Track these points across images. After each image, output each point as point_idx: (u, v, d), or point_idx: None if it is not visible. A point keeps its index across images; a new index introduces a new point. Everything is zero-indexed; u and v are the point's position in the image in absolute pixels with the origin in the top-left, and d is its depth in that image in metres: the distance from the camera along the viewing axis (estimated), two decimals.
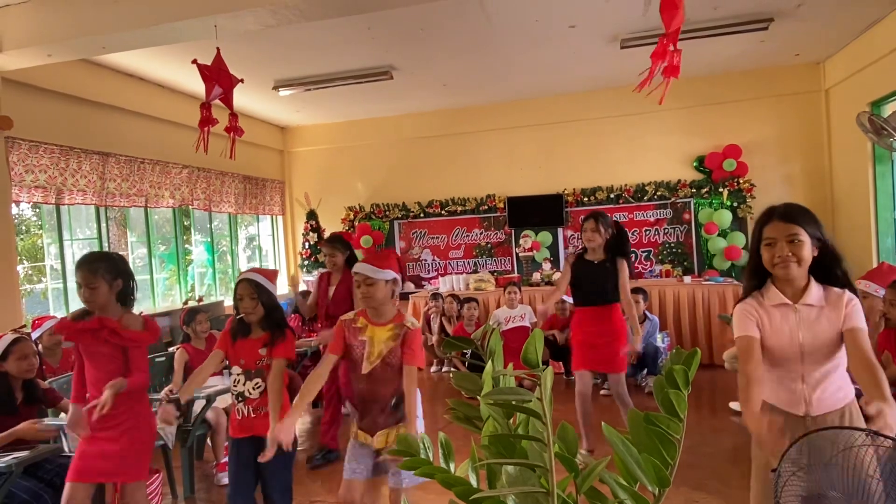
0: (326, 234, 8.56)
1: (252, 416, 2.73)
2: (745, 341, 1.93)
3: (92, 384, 2.63)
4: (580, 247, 4.18)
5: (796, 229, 1.84)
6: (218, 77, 4.19)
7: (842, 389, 1.91)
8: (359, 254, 8.53)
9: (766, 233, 1.90)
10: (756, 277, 1.98)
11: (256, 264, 9.01)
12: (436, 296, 7.10)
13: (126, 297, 2.70)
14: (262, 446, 2.55)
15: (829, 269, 1.89)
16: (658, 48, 3.37)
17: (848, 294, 1.87)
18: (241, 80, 4.41)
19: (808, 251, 1.85)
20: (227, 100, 4.33)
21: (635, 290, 6.06)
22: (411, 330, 2.54)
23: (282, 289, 8.97)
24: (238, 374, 2.77)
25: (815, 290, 1.89)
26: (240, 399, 2.76)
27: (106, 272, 2.62)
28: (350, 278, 4.29)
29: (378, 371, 2.50)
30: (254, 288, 2.76)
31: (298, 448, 4.37)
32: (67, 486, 2.63)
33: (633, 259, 7.93)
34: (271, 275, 2.92)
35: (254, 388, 2.74)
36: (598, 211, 4.07)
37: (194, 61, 4.13)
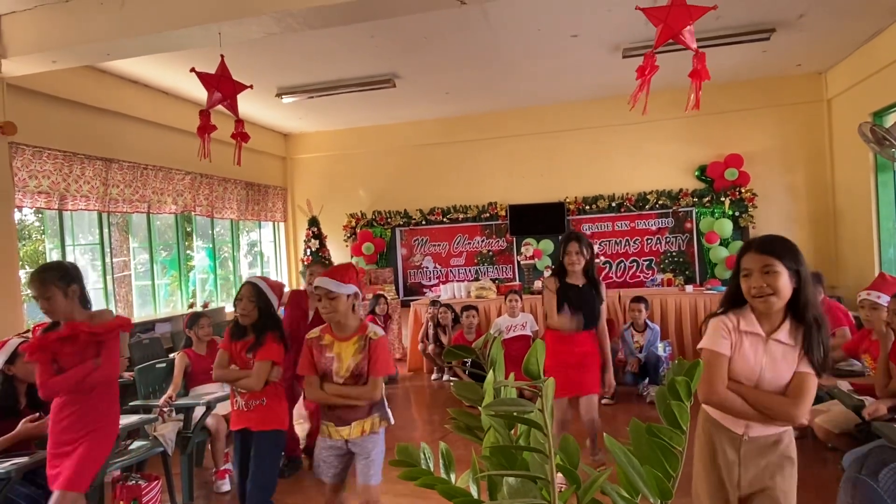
0: (327, 241, 8.57)
1: (245, 409, 2.93)
2: (714, 357, 1.96)
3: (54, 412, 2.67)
4: (551, 268, 3.93)
5: (771, 261, 1.84)
6: (219, 84, 4.20)
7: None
8: (358, 261, 8.55)
9: (744, 263, 1.91)
10: (733, 305, 1.99)
11: (258, 271, 9.01)
12: (435, 303, 7.09)
13: (86, 300, 2.73)
14: (251, 439, 2.89)
15: (799, 308, 1.88)
16: (644, 62, 3.42)
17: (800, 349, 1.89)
18: (251, 87, 4.43)
19: (784, 283, 1.83)
20: (232, 106, 4.34)
21: (637, 299, 6.06)
22: (373, 340, 2.59)
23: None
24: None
25: (788, 327, 1.90)
26: (237, 394, 2.97)
27: (59, 280, 2.62)
28: None
29: (349, 384, 2.58)
30: (255, 292, 2.94)
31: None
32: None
33: (634, 266, 7.93)
34: (276, 287, 3.05)
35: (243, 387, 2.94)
36: (576, 232, 3.93)
37: (193, 69, 4.15)
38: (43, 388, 2.61)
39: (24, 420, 3.06)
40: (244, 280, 3.07)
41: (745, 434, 1.95)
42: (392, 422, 2.72)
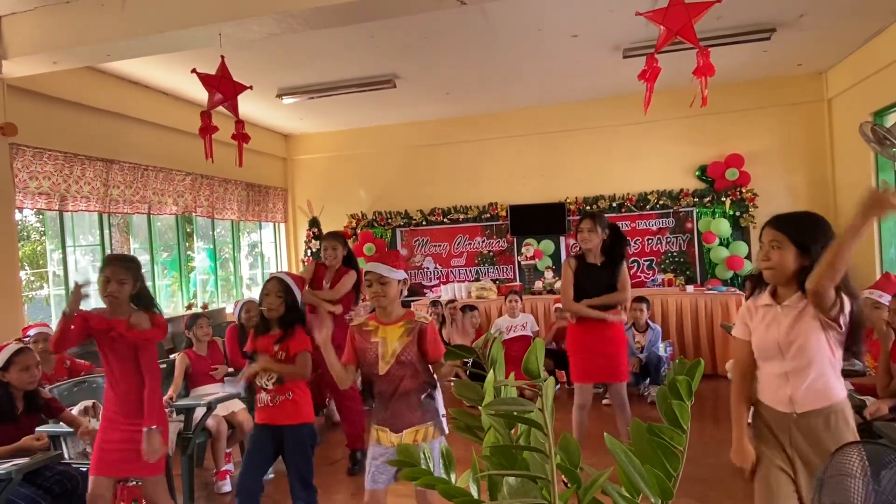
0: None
1: (271, 405, 2.95)
2: (736, 342, 2.15)
3: (109, 382, 2.79)
4: (577, 249, 3.99)
5: (779, 236, 1.95)
6: (219, 85, 4.21)
7: (829, 389, 1.94)
8: (359, 262, 8.54)
9: (760, 237, 2.05)
10: (759, 279, 2.10)
11: (258, 272, 9.02)
12: (435, 303, 7.08)
13: (140, 299, 2.83)
14: (278, 436, 2.91)
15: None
16: (647, 66, 3.44)
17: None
18: (251, 87, 4.44)
19: (785, 258, 1.93)
20: (233, 107, 4.35)
21: (638, 299, 6.05)
22: (425, 324, 2.54)
23: None
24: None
25: (799, 295, 1.95)
26: (263, 390, 2.98)
27: (137, 271, 2.81)
28: (340, 278, 4.31)
29: (395, 370, 2.50)
30: (282, 287, 3.00)
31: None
32: (91, 479, 2.74)
33: (634, 266, 7.92)
34: (299, 281, 3.14)
35: (269, 381, 2.95)
36: (594, 211, 3.97)
37: (194, 70, 4.15)
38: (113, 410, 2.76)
39: (28, 437, 3.08)
40: (270, 275, 3.13)
41: (791, 411, 1.96)
42: (447, 432, 2.57)
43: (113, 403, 2.76)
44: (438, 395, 2.61)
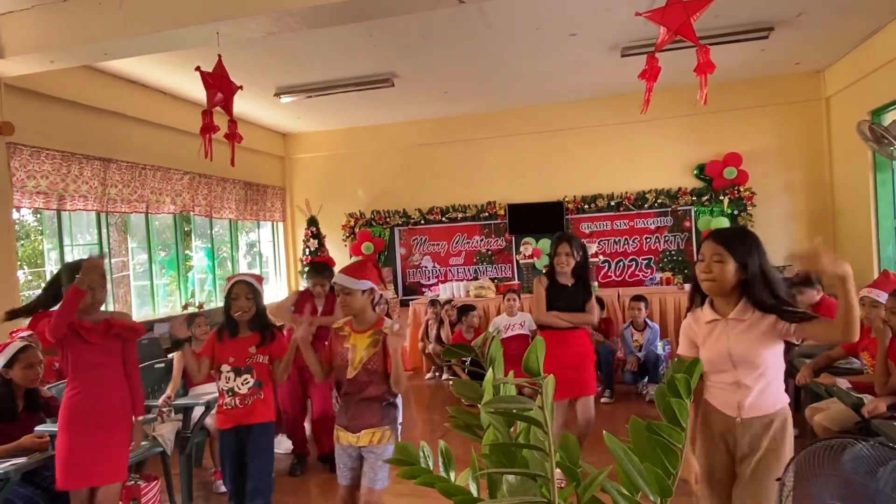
0: (326, 241, 8.56)
1: (239, 407, 2.96)
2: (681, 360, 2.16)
3: (79, 390, 2.76)
4: (546, 268, 4.01)
5: (720, 250, 2.04)
6: (219, 84, 4.20)
7: (777, 395, 2.06)
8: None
9: (701, 250, 2.14)
10: (699, 291, 2.19)
11: (257, 270, 9.01)
12: (433, 302, 7.08)
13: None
14: (245, 435, 2.95)
15: (755, 296, 2.02)
16: (647, 66, 3.44)
17: (772, 317, 2.00)
18: (241, 87, 4.43)
19: (726, 272, 2.02)
20: (228, 107, 4.34)
21: (636, 298, 6.06)
22: (386, 334, 2.64)
23: (281, 295, 8.96)
24: (227, 372, 2.98)
25: (743, 306, 2.05)
26: (229, 394, 2.96)
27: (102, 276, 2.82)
28: (333, 302, 4.34)
29: (361, 376, 2.63)
30: (250, 289, 3.01)
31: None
32: (72, 494, 2.74)
33: (633, 265, 7.94)
34: (259, 280, 3.13)
35: (243, 384, 2.97)
36: (568, 233, 3.99)
37: (198, 68, 4.14)
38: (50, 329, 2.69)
39: (28, 436, 3.08)
40: (233, 278, 3.08)
41: (737, 416, 2.05)
42: (399, 440, 2.72)
43: (84, 411, 2.72)
44: (399, 402, 2.75)
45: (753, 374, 2.03)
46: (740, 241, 2.06)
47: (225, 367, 2.98)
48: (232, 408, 2.96)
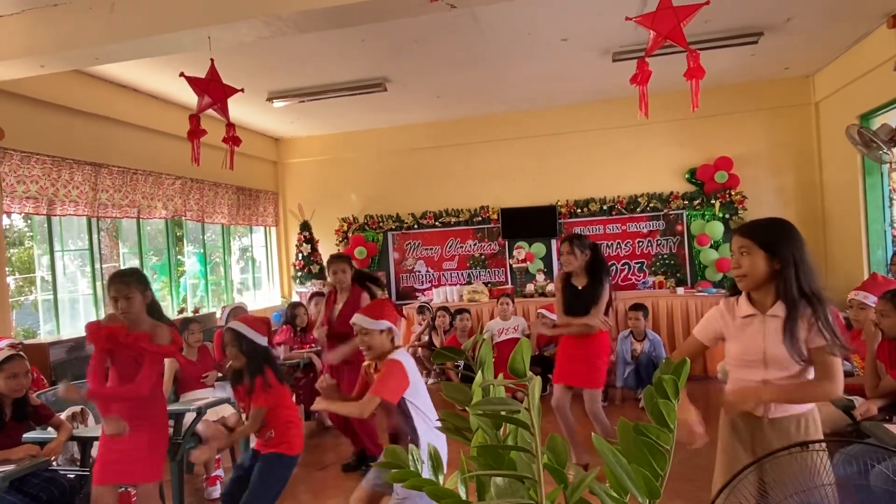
0: (319, 245, 8.54)
1: (258, 436, 3.12)
2: (691, 337, 2.19)
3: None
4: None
5: (746, 242, 1.99)
6: (208, 88, 4.19)
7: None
8: None
9: (731, 247, 2.11)
10: (738, 291, 2.13)
11: (249, 276, 8.97)
12: (422, 308, 7.06)
13: (154, 309, 2.90)
14: (256, 458, 3.04)
15: (784, 285, 1.94)
16: (638, 70, 3.47)
17: (809, 309, 1.92)
18: (242, 90, 4.43)
19: (756, 264, 1.96)
20: (223, 110, 4.33)
21: (636, 307, 6.02)
22: (385, 361, 2.67)
23: (274, 300, 8.93)
24: (243, 414, 3.26)
25: (780, 303, 1.96)
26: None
27: (139, 283, 2.83)
28: (357, 296, 4.29)
29: (377, 411, 2.68)
30: (234, 337, 3.04)
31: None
32: (94, 489, 2.77)
33: (626, 269, 7.95)
34: (258, 323, 3.12)
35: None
36: (574, 233, 4.11)
37: (182, 74, 4.14)
38: (91, 394, 2.81)
39: (26, 447, 3.07)
40: (226, 326, 3.16)
41: (764, 416, 1.99)
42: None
43: (117, 413, 2.79)
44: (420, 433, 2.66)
45: (784, 375, 1.96)
46: (766, 230, 1.99)
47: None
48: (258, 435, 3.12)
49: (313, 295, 6.11)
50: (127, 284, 2.78)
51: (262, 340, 3.10)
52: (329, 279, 4.49)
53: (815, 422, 2.00)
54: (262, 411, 2.99)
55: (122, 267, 6.67)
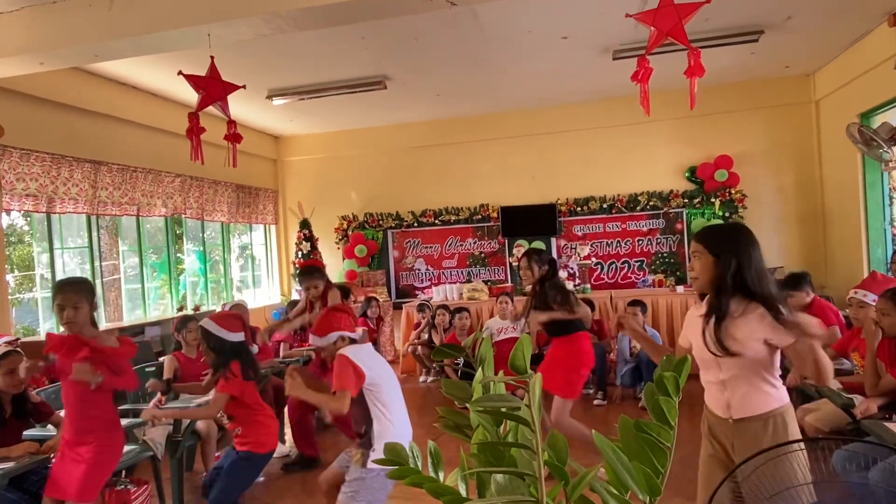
0: (319, 244, 8.54)
1: (230, 433, 3.31)
2: (678, 349, 2.26)
3: (66, 403, 2.78)
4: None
5: (697, 247, 2.06)
6: (207, 86, 4.18)
7: (768, 396, 1.98)
8: (350, 263, 8.51)
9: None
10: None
11: (249, 274, 8.97)
12: (422, 306, 7.06)
13: (93, 319, 2.86)
14: (230, 455, 3.18)
15: (726, 283, 1.98)
16: (639, 68, 3.47)
17: (761, 309, 1.93)
18: (243, 87, 4.42)
19: (702, 266, 2.03)
20: (224, 108, 4.32)
21: (634, 303, 6.00)
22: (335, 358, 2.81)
23: (274, 298, 8.93)
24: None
25: (729, 302, 1.98)
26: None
27: (89, 293, 2.77)
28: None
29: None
30: (203, 335, 3.18)
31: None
32: (44, 499, 2.78)
33: (626, 268, 7.94)
34: (228, 320, 3.22)
35: (223, 416, 3.34)
36: (534, 248, 4.13)
37: (180, 72, 4.13)
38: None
39: (26, 444, 3.06)
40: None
41: (729, 417, 2.02)
42: (368, 467, 2.72)
43: (66, 428, 2.80)
44: (373, 437, 2.74)
45: (738, 373, 1.98)
46: (716, 236, 2.07)
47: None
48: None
49: None
50: (77, 293, 2.69)
51: (233, 336, 3.17)
52: (303, 294, 4.58)
53: (786, 424, 1.97)
54: (222, 397, 3.08)
55: (121, 266, 6.67)
